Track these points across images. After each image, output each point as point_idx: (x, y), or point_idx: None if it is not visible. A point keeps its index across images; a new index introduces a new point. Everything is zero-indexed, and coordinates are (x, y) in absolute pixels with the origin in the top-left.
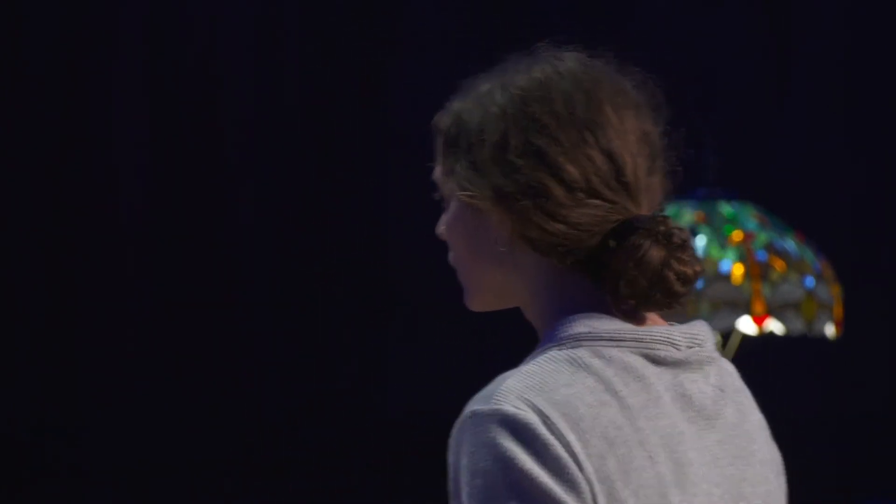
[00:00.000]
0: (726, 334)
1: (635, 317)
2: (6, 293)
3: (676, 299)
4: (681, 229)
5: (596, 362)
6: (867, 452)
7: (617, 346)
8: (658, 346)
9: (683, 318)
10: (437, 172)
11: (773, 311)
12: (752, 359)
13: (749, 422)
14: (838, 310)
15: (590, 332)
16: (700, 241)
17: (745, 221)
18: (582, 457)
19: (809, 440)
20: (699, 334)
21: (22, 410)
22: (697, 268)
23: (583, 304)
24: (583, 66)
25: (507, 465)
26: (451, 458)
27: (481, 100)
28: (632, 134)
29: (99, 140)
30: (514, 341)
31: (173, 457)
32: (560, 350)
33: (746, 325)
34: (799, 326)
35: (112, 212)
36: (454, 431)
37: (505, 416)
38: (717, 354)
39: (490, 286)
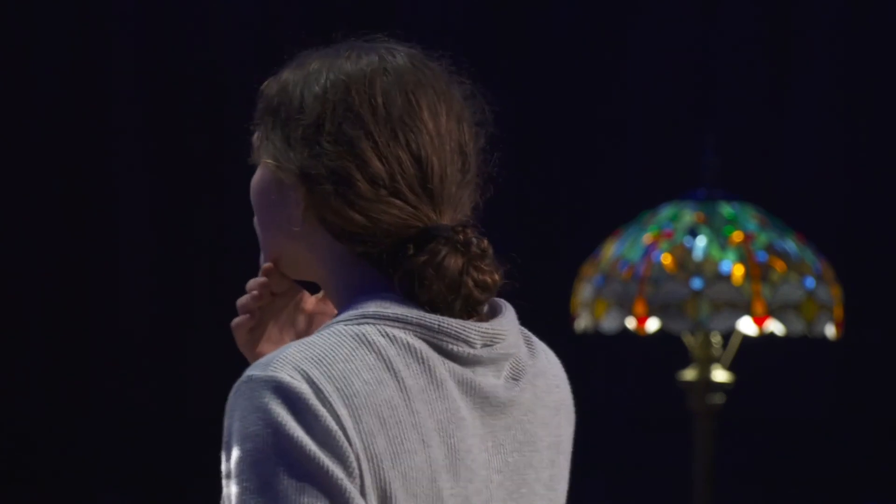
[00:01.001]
0: (726, 335)
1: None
2: (9, 294)
3: (475, 306)
4: (479, 239)
5: (380, 340)
6: (868, 453)
7: (403, 329)
8: (447, 339)
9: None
10: (255, 136)
11: (773, 312)
12: (752, 360)
13: (543, 404)
14: (838, 311)
15: (378, 312)
16: (700, 242)
17: (746, 222)
18: (352, 432)
19: (810, 441)
20: (500, 332)
21: (23, 410)
22: (496, 276)
23: (375, 290)
24: (413, 66)
25: (276, 430)
26: (225, 420)
27: (307, 77)
28: (447, 143)
29: (101, 141)
30: None
31: (173, 457)
32: (347, 326)
33: (747, 325)
34: (799, 327)
35: (113, 212)
36: (231, 394)
37: (279, 383)
38: (516, 348)
39: (284, 257)
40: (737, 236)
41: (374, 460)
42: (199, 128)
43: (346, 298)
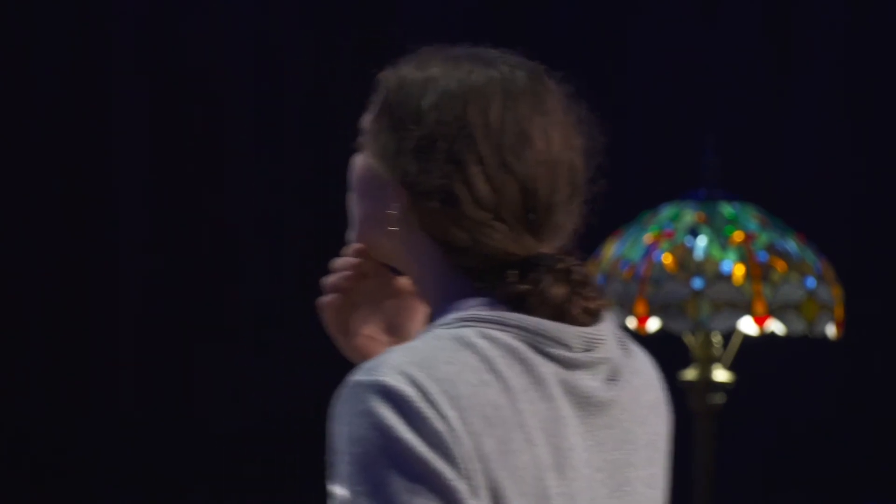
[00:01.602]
0: (727, 335)
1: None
2: (9, 294)
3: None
4: (580, 266)
5: (481, 342)
6: (868, 453)
7: (502, 330)
8: (546, 341)
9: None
10: (366, 120)
11: (773, 312)
12: (752, 360)
13: (640, 404)
14: (839, 311)
15: (477, 315)
16: (701, 242)
17: (746, 222)
18: (460, 432)
19: (810, 441)
20: (600, 337)
21: (23, 410)
22: (601, 302)
23: (471, 297)
24: (532, 87)
25: (386, 433)
26: (331, 426)
27: (427, 82)
28: (558, 170)
29: (101, 141)
30: None
31: (174, 457)
32: (446, 329)
33: (747, 325)
34: (800, 327)
35: (113, 212)
36: (336, 400)
37: (384, 387)
38: (613, 352)
39: (376, 248)
40: (737, 236)
41: (484, 460)
42: (200, 127)
43: (441, 302)
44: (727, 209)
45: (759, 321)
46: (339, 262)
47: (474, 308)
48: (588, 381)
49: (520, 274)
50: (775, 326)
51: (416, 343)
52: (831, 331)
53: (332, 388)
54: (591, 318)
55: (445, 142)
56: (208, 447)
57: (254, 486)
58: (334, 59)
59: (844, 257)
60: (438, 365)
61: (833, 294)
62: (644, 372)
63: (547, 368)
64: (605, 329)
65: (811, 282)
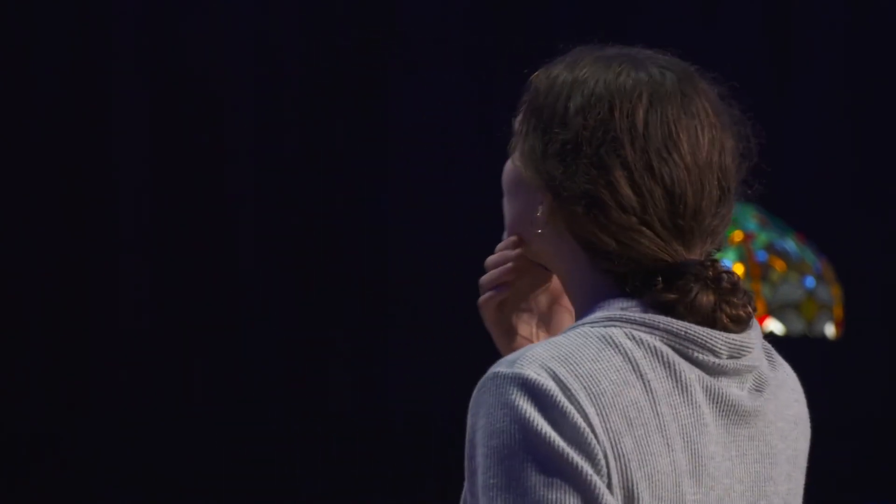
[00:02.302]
0: None
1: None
2: (9, 294)
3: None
4: (729, 273)
5: (626, 343)
6: (868, 453)
7: (649, 332)
8: (693, 346)
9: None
10: (517, 121)
11: (773, 312)
12: None
13: (784, 417)
14: (838, 310)
15: (624, 315)
16: None
17: (746, 222)
18: (599, 430)
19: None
20: (747, 344)
21: (23, 410)
22: (749, 309)
23: (618, 299)
24: (681, 90)
25: (524, 426)
26: (469, 418)
27: (575, 84)
28: (706, 175)
29: (101, 141)
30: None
31: (174, 457)
32: (592, 327)
33: None
34: (799, 327)
35: (113, 213)
36: (475, 391)
37: (526, 380)
38: (759, 361)
39: (525, 247)
40: (737, 236)
41: (622, 460)
42: (200, 127)
43: (587, 303)
44: None
45: (759, 320)
46: (494, 258)
47: (622, 309)
48: (734, 390)
49: (668, 281)
50: (774, 326)
51: (561, 339)
52: (830, 330)
53: (332, 387)
54: (738, 325)
55: (590, 146)
56: (208, 447)
57: (254, 486)
58: (334, 59)
59: (844, 257)
60: (582, 361)
61: (832, 293)
62: (788, 385)
63: (692, 374)
64: (753, 337)
65: (810, 281)
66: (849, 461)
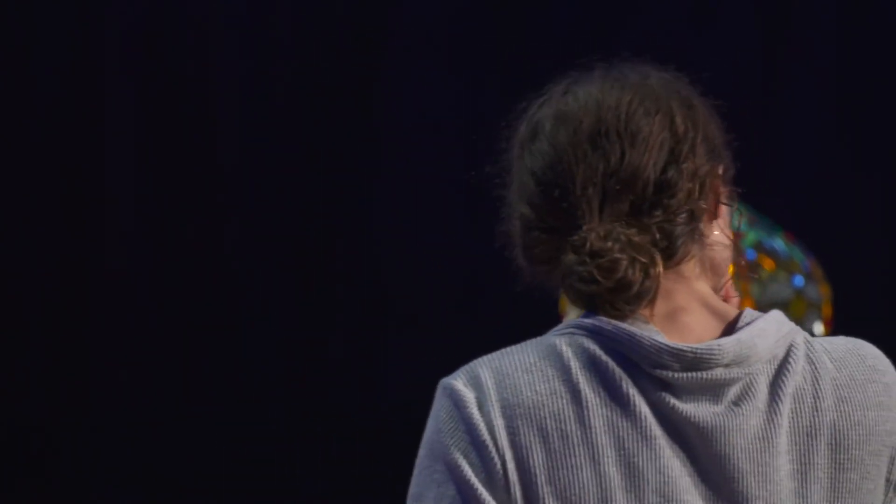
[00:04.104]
0: None
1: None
2: (9, 294)
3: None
4: (603, 238)
5: (567, 350)
6: None
7: (593, 339)
8: (638, 357)
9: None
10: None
11: (761, 310)
12: None
13: (783, 432)
14: (827, 309)
15: (578, 323)
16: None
17: (734, 220)
18: (504, 443)
19: None
20: (710, 355)
21: (23, 410)
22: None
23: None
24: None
25: (437, 437)
26: None
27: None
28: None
29: (101, 141)
30: (503, 344)
31: (174, 457)
32: (550, 335)
33: None
34: None
35: (114, 212)
36: None
37: (451, 389)
38: (743, 372)
39: None
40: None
41: (527, 473)
42: (199, 128)
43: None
44: None
45: None
46: None
47: (584, 316)
48: (695, 406)
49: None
50: None
51: (513, 347)
52: (819, 329)
53: (332, 387)
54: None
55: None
56: (208, 447)
57: (254, 486)
58: (333, 59)
59: (832, 256)
60: (515, 371)
61: (821, 292)
62: (806, 395)
63: (636, 387)
64: (724, 345)
65: (799, 280)
66: None
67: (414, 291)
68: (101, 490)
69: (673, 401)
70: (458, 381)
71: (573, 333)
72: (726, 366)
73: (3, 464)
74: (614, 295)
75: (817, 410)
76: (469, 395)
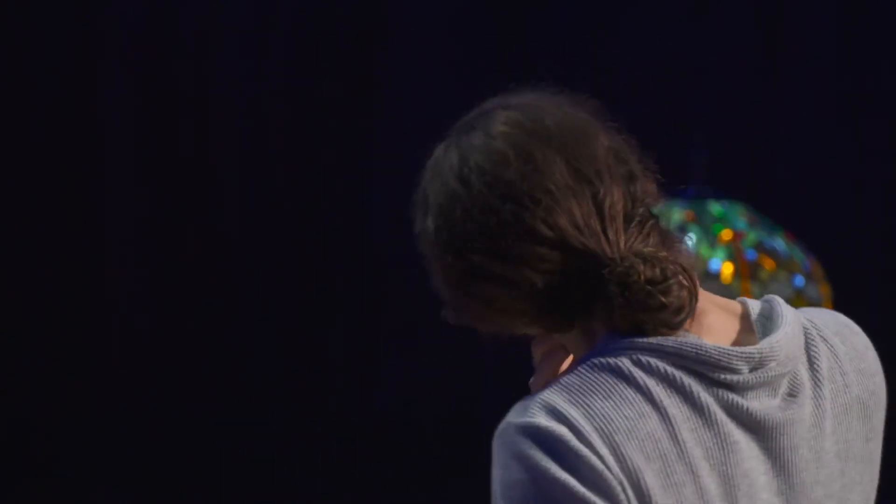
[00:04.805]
0: None
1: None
2: (9, 294)
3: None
4: (648, 264)
5: (637, 371)
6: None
7: (657, 357)
8: (706, 367)
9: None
10: None
11: None
12: None
13: (828, 415)
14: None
15: (632, 342)
16: (689, 240)
17: (735, 220)
18: (617, 469)
19: None
20: (771, 354)
21: (23, 410)
22: (686, 297)
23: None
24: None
25: (541, 476)
26: (492, 469)
27: None
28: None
29: (101, 141)
30: (502, 344)
31: (174, 457)
32: (601, 359)
33: None
34: None
35: (113, 213)
36: (493, 442)
37: (537, 429)
38: (793, 363)
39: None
40: (726, 234)
41: (644, 497)
42: (198, 128)
43: (591, 340)
44: (715, 207)
45: None
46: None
47: (624, 336)
48: (764, 401)
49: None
50: None
51: (572, 378)
52: None
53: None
54: (679, 315)
55: None
56: (208, 447)
57: (254, 486)
58: (333, 59)
59: (833, 255)
60: (594, 401)
61: (821, 292)
62: (836, 376)
63: (709, 395)
64: (781, 340)
65: (799, 280)
66: None
67: (414, 292)
68: (101, 490)
69: (741, 402)
70: (540, 420)
71: (632, 353)
72: (780, 361)
73: (3, 464)
74: (673, 316)
75: (847, 387)
76: (563, 430)
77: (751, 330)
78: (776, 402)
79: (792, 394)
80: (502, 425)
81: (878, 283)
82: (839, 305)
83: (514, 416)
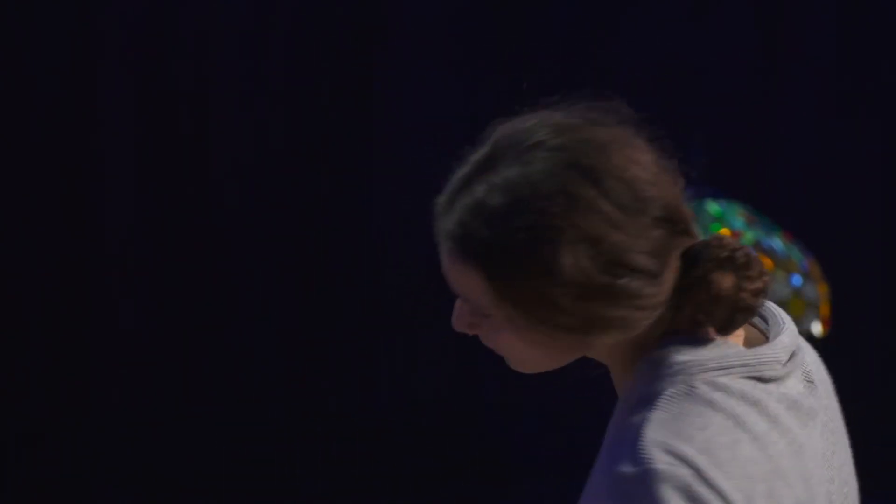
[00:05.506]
0: None
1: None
2: (9, 294)
3: (755, 313)
4: (741, 246)
5: (717, 396)
6: (855, 451)
7: (727, 374)
8: (765, 368)
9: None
10: None
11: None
12: None
13: (830, 395)
14: (825, 308)
15: (696, 361)
16: None
17: (733, 220)
18: (740, 501)
19: None
20: (794, 340)
21: (23, 410)
22: (766, 278)
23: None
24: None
25: None
26: None
27: None
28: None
29: (101, 140)
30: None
31: (174, 457)
32: (676, 387)
33: None
34: None
35: (114, 213)
36: (604, 491)
37: (661, 474)
38: (803, 351)
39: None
40: (724, 234)
41: None
42: (198, 128)
43: (639, 348)
44: (713, 207)
45: None
46: None
47: (686, 348)
48: (798, 387)
49: (685, 271)
50: None
51: (659, 413)
52: (817, 329)
53: (332, 387)
54: (759, 298)
55: None
56: (208, 447)
57: (254, 486)
58: (333, 59)
59: (830, 255)
60: (693, 434)
61: (819, 292)
62: (818, 362)
63: (771, 397)
64: (794, 333)
65: (797, 279)
66: None
67: (413, 292)
68: (101, 490)
69: (787, 393)
70: (659, 464)
71: (700, 374)
72: (802, 348)
73: (3, 464)
74: (744, 317)
75: (824, 370)
76: (685, 472)
77: (750, 326)
78: (802, 386)
79: (808, 380)
80: (615, 475)
81: (875, 282)
82: (837, 305)
83: (627, 465)
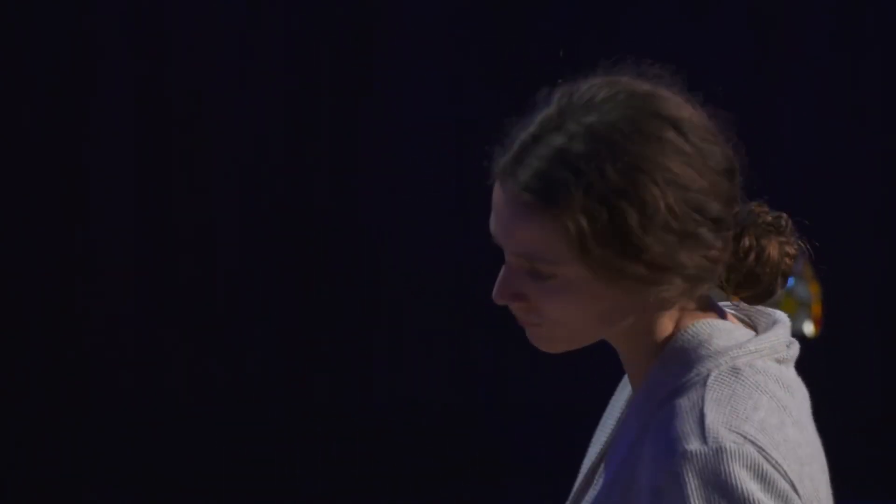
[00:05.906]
0: None
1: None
2: (9, 294)
3: (787, 279)
4: (778, 213)
5: (760, 379)
6: (845, 451)
7: (760, 357)
8: (783, 349)
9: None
10: None
11: None
12: None
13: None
14: (817, 308)
15: (732, 344)
16: None
17: None
18: (798, 486)
19: None
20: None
21: (23, 410)
22: (797, 243)
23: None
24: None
25: (755, 501)
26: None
27: None
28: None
29: (101, 140)
30: (502, 344)
31: (174, 457)
32: (720, 370)
33: None
34: None
35: (113, 213)
36: (665, 474)
37: (732, 452)
38: None
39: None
40: None
41: (818, 501)
42: (197, 128)
43: (664, 328)
44: None
45: None
46: None
47: (719, 331)
48: (793, 371)
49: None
50: None
51: (714, 394)
52: (809, 328)
53: (332, 387)
54: (792, 262)
55: None
56: (208, 447)
57: (254, 486)
58: (331, 59)
59: (822, 255)
60: (749, 415)
61: (811, 291)
62: None
63: (798, 385)
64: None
65: (789, 279)
66: (827, 459)
67: (413, 292)
68: (101, 490)
69: (796, 376)
70: (728, 442)
71: (743, 359)
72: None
73: (2, 464)
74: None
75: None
76: (751, 450)
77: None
78: (795, 374)
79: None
80: (680, 452)
81: (867, 282)
82: (832, 305)
83: (695, 443)
